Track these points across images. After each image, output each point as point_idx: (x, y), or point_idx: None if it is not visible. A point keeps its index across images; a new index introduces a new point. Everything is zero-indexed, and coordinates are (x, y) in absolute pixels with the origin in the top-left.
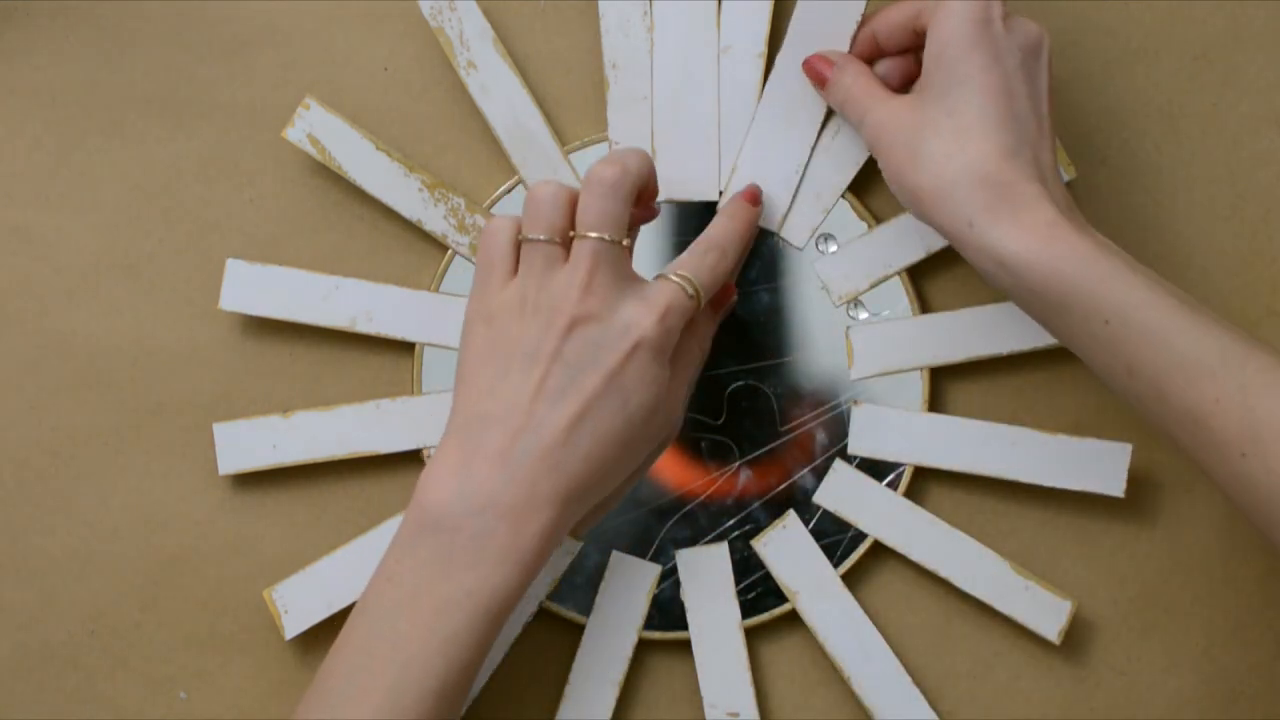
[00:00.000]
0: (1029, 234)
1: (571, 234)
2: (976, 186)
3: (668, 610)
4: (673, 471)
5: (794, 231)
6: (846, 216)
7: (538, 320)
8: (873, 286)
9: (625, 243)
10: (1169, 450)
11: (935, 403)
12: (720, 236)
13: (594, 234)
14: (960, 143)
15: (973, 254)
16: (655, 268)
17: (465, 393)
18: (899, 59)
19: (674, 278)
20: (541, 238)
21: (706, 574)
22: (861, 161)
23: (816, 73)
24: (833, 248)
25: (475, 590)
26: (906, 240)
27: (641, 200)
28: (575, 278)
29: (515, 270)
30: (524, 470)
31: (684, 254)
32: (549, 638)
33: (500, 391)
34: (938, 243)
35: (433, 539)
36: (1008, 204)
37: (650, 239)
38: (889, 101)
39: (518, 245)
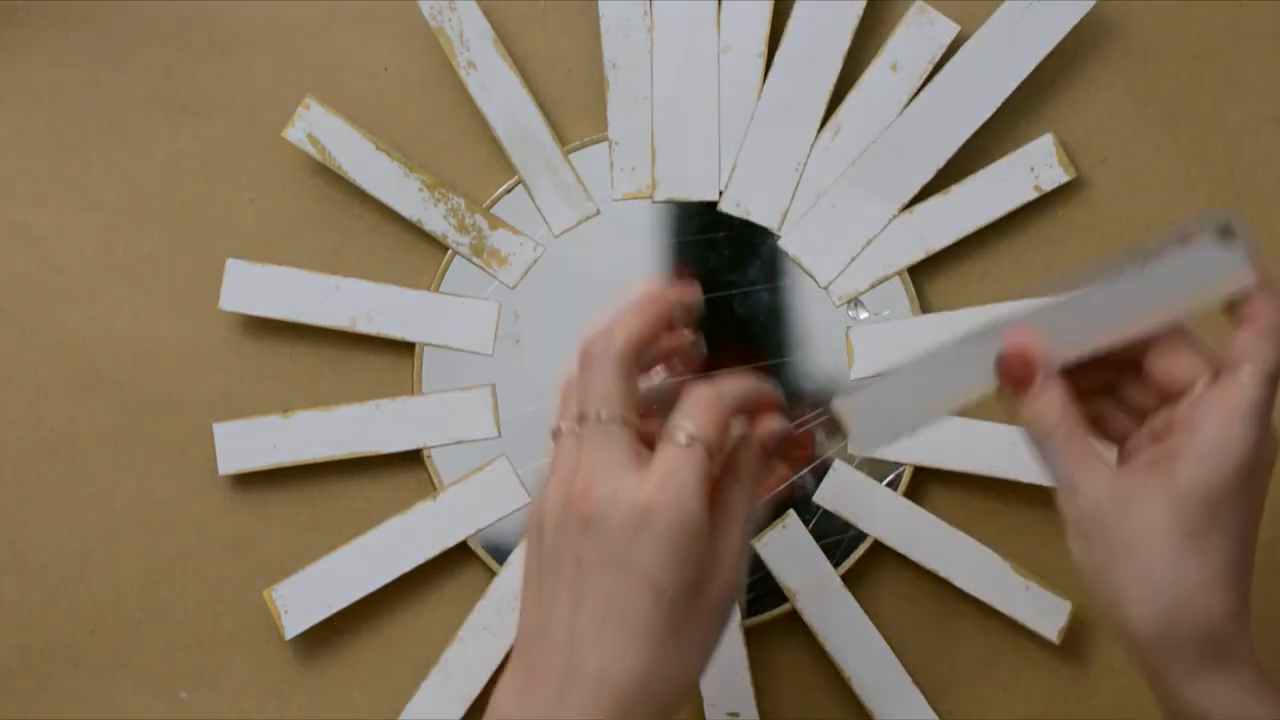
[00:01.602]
0: (1239, 694)
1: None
2: (1203, 641)
3: None
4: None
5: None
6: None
7: (555, 524)
8: (872, 286)
9: (627, 416)
10: None
11: None
12: (715, 381)
13: (590, 416)
14: (1203, 594)
15: (1170, 699)
16: (649, 267)
17: (522, 607)
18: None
19: (670, 437)
20: (563, 428)
21: None
22: (858, 159)
23: (1015, 374)
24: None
25: None
26: (906, 240)
27: (667, 338)
28: (579, 469)
29: None
30: (575, 686)
31: (678, 406)
32: None
33: (541, 604)
34: (938, 243)
35: None
36: (1224, 662)
37: (650, 239)
38: (1113, 487)
39: None
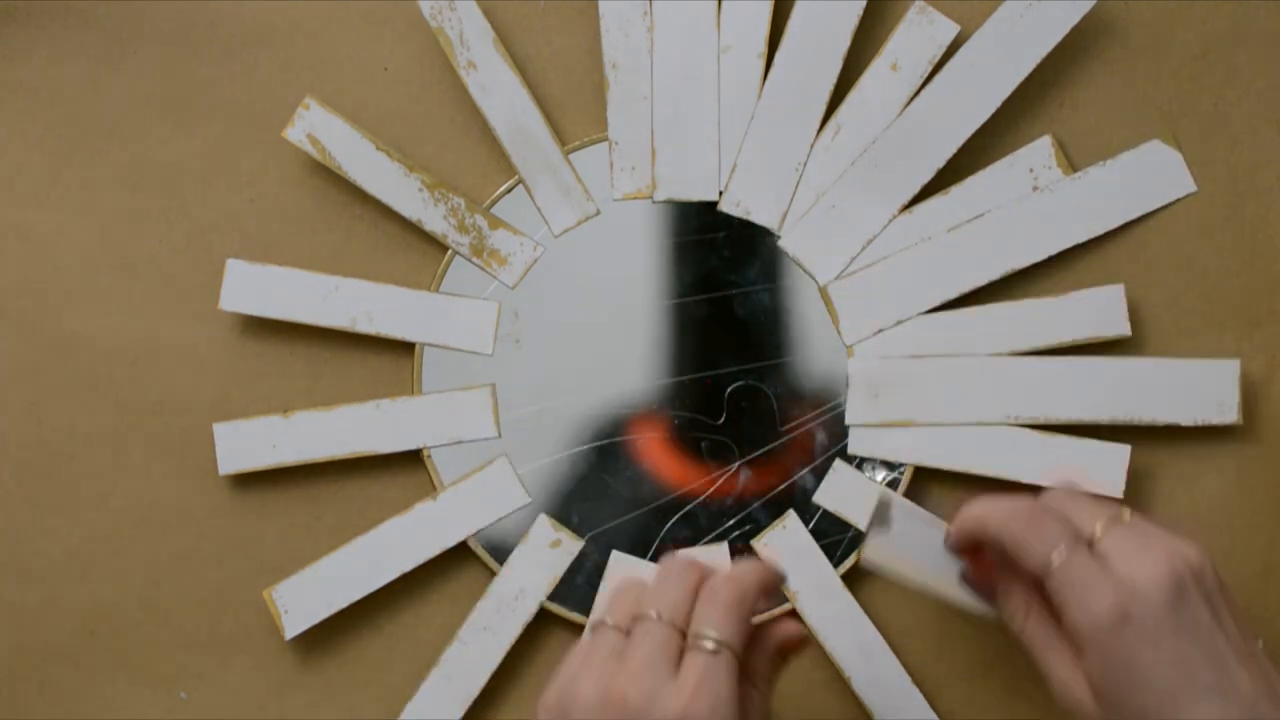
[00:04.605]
0: None
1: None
2: None
3: None
4: (673, 471)
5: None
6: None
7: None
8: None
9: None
10: (1167, 450)
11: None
12: (731, 572)
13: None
14: None
15: None
16: (652, 267)
17: None
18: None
19: (698, 644)
20: (608, 622)
21: None
22: (858, 159)
23: (978, 589)
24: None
25: None
26: (906, 241)
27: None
28: (628, 668)
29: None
30: None
31: (697, 606)
32: (549, 638)
33: None
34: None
35: None
36: None
37: (650, 239)
38: (1070, 682)
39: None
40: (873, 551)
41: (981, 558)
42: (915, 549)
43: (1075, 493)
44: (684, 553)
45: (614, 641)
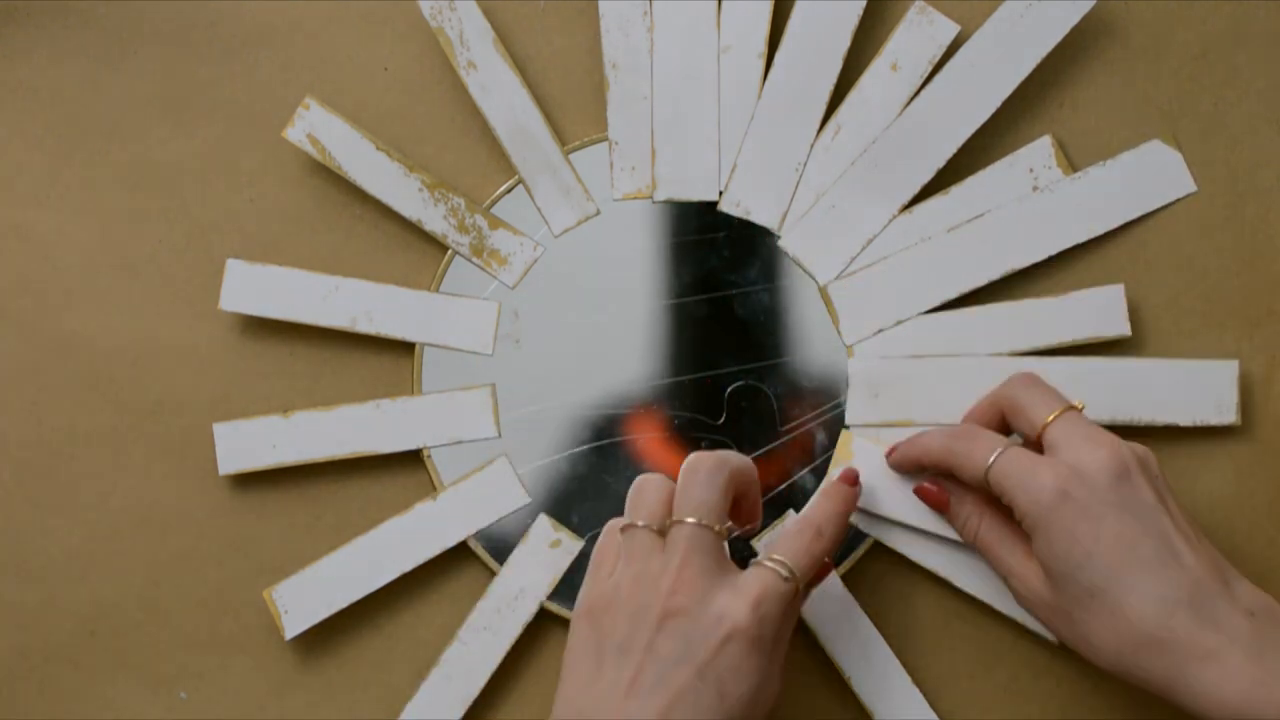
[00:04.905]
0: (1226, 688)
1: (669, 521)
2: (1155, 653)
3: None
4: (673, 472)
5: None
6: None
7: (631, 613)
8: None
9: (720, 529)
10: (1166, 450)
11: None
12: (817, 516)
13: (690, 519)
14: (1114, 619)
15: (1183, 706)
16: (652, 267)
17: (565, 688)
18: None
19: (769, 563)
20: (640, 523)
21: None
22: (858, 159)
23: (931, 503)
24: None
25: None
26: (906, 241)
27: (741, 509)
28: (669, 566)
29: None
30: None
31: (780, 534)
32: (549, 638)
33: (595, 687)
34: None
35: None
36: (1195, 663)
37: (650, 239)
38: (1025, 574)
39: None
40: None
41: (935, 481)
42: (873, 482)
43: (1031, 383)
44: (698, 455)
45: (649, 543)
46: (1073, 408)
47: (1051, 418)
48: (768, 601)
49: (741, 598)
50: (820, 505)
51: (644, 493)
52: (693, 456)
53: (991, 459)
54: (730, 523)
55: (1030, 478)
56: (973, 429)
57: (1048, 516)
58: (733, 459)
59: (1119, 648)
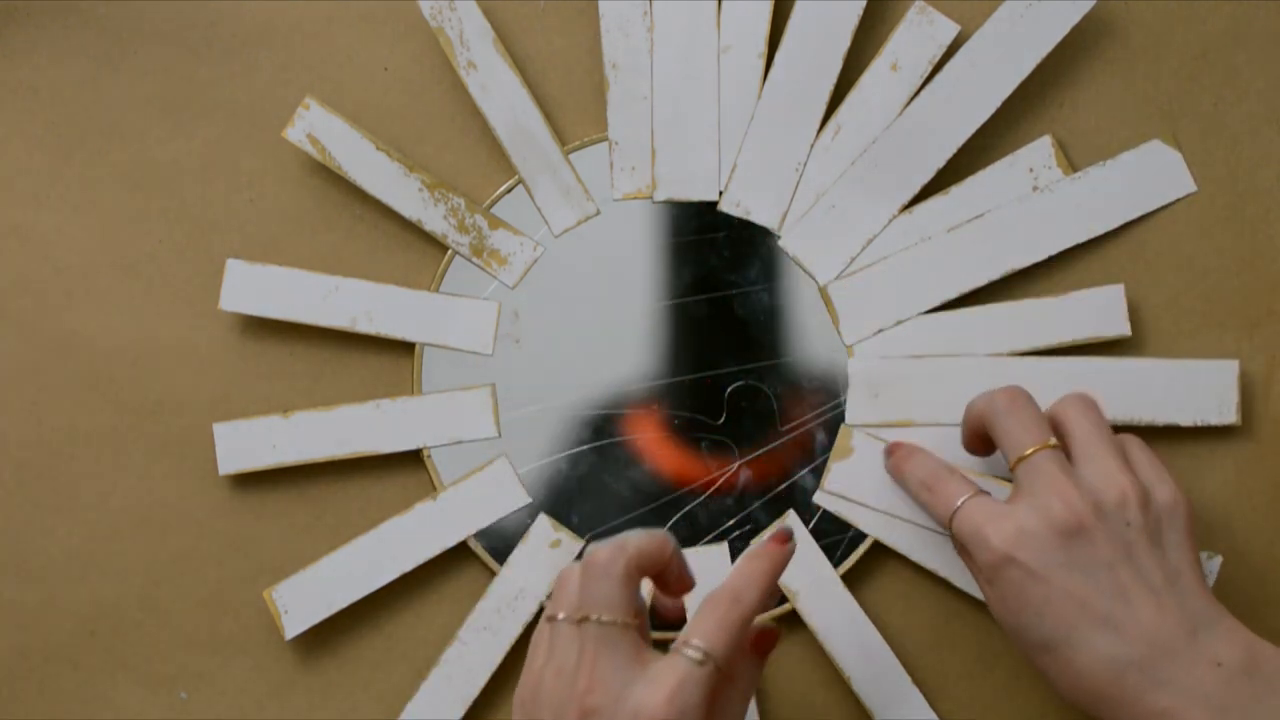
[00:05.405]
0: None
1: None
2: (1112, 708)
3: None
4: (673, 471)
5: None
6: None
7: (554, 709)
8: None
9: (626, 620)
10: (1167, 450)
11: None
12: (736, 582)
13: (593, 617)
14: (1068, 672)
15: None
16: (652, 267)
17: None
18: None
19: (684, 649)
20: (560, 615)
21: (706, 574)
22: (858, 159)
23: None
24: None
25: None
26: (906, 240)
27: (667, 581)
28: (582, 664)
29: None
30: None
31: (696, 614)
32: None
33: None
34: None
35: None
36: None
37: (650, 239)
38: (986, 593)
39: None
40: (833, 483)
41: None
42: (872, 478)
43: (1012, 408)
44: (596, 545)
45: (569, 635)
46: (1048, 445)
47: (1027, 453)
48: (685, 691)
49: (657, 691)
50: (741, 569)
51: (565, 584)
52: (590, 549)
53: (953, 510)
54: (646, 604)
55: (979, 538)
56: (942, 472)
57: (997, 577)
58: (632, 541)
59: (1075, 698)
